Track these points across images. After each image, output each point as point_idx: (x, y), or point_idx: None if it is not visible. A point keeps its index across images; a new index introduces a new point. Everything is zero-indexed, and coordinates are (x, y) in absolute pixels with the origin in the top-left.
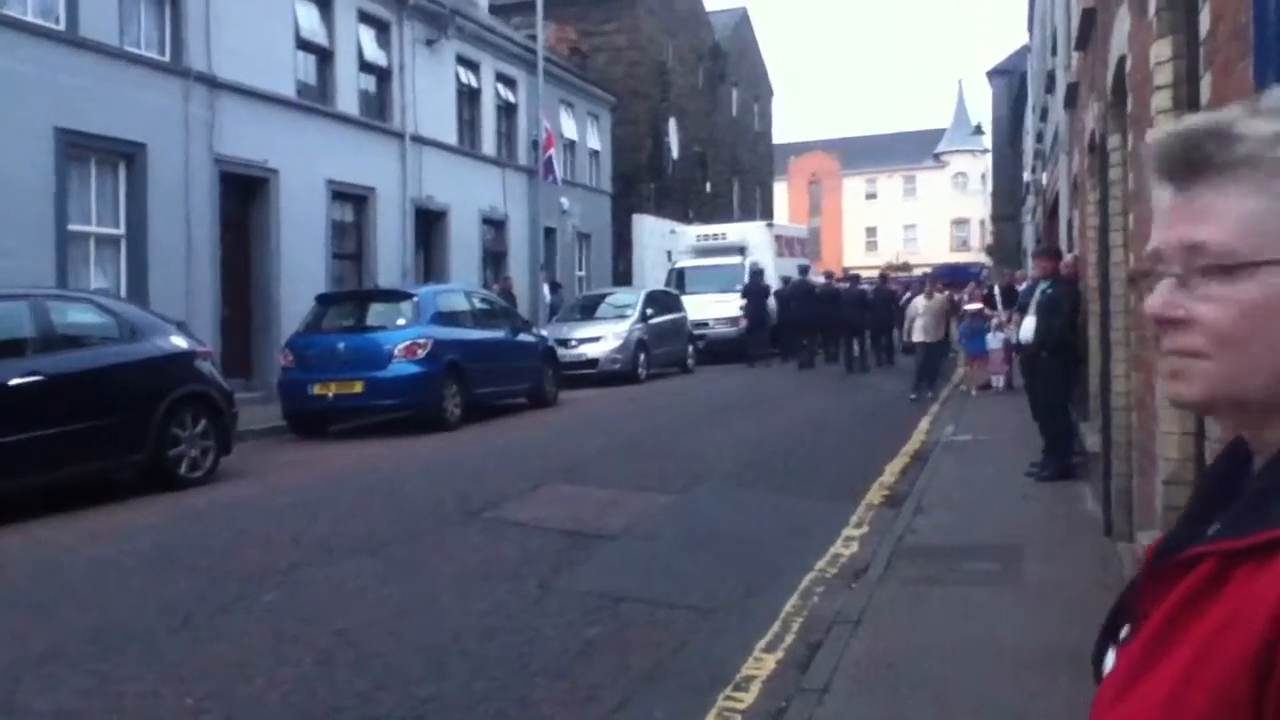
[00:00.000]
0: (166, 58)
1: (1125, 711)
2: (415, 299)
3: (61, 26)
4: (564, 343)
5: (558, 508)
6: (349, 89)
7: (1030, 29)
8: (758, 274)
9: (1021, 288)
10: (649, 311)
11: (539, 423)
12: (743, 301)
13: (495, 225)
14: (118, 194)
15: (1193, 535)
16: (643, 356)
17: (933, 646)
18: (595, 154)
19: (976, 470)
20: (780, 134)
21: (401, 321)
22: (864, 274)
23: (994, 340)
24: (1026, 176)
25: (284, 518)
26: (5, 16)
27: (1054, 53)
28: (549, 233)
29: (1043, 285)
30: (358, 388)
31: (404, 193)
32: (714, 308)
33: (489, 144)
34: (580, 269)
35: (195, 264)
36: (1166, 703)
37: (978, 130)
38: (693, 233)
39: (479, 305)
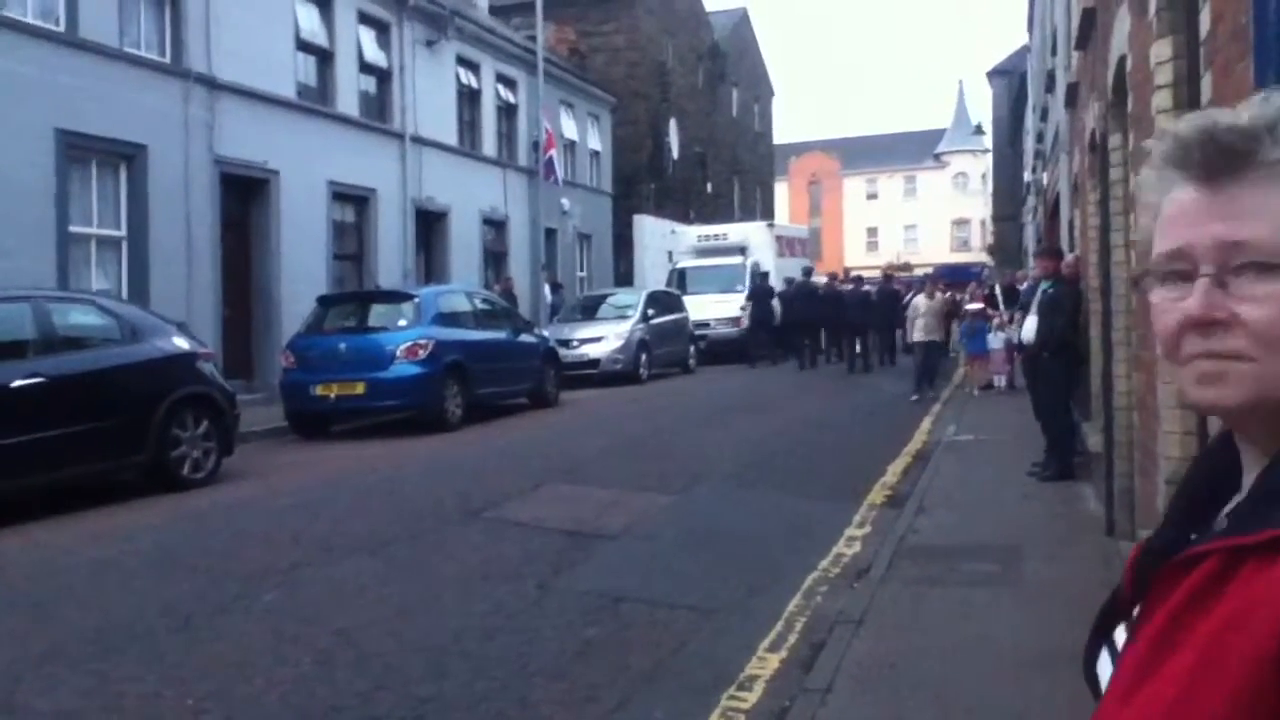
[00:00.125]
0: (167, 59)
1: (1133, 713)
2: (416, 300)
3: (61, 28)
4: (565, 343)
5: (558, 508)
6: (349, 90)
7: (1030, 29)
8: (763, 275)
9: (1023, 287)
10: (650, 312)
11: (540, 423)
12: (745, 302)
13: (496, 226)
14: (118, 195)
15: (1178, 537)
16: (644, 357)
17: (935, 646)
18: (596, 154)
19: (978, 470)
20: (780, 134)
21: (403, 322)
22: (866, 274)
23: (995, 340)
24: (1027, 176)
25: (285, 518)
26: (5, 18)
27: (1054, 52)
28: (550, 233)
29: (1044, 285)
30: (359, 389)
31: (404, 193)
32: (715, 308)
33: (489, 145)
34: (581, 269)
35: (196, 265)
36: (1177, 703)
37: (978, 130)
38: (693, 233)
39: (480, 306)
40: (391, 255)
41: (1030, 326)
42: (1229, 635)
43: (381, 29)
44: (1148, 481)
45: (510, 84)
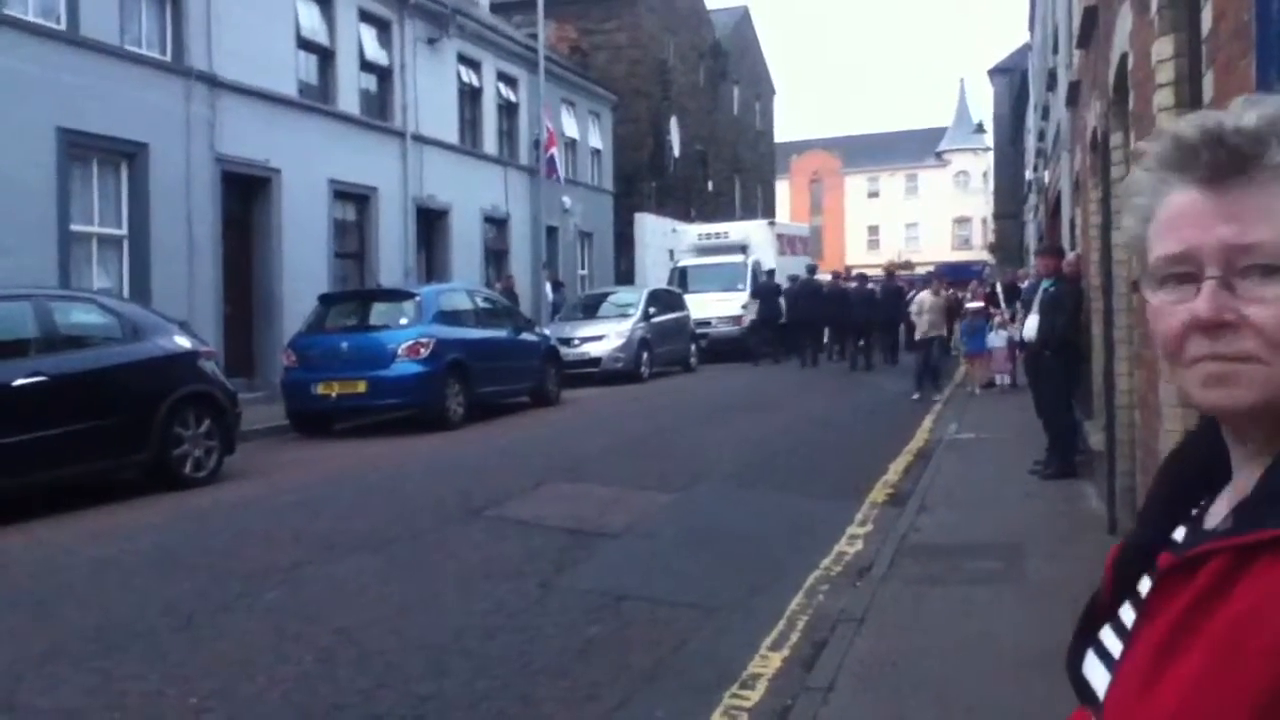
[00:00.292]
0: (168, 57)
1: (1153, 711)
2: (418, 298)
3: (63, 26)
4: (566, 342)
5: (560, 506)
6: (350, 88)
7: (1031, 27)
8: (769, 273)
9: (1024, 286)
10: (651, 310)
11: (541, 421)
12: (746, 300)
13: (497, 224)
14: (120, 194)
15: (1156, 536)
16: (645, 355)
17: (936, 645)
18: (597, 153)
19: (980, 468)
20: (782, 132)
21: (404, 321)
22: (868, 272)
23: (998, 339)
24: (1028, 174)
25: (286, 516)
26: (7, 16)
27: (1055, 51)
28: (551, 231)
29: (1045, 283)
30: (361, 387)
31: (405, 192)
32: (716, 306)
33: (490, 143)
34: (582, 268)
35: (197, 264)
36: (1199, 701)
37: (979, 128)
38: (694, 231)
39: (481, 304)
40: (393, 253)
41: (1032, 325)
42: (1247, 632)
43: (382, 27)
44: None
45: (511, 82)
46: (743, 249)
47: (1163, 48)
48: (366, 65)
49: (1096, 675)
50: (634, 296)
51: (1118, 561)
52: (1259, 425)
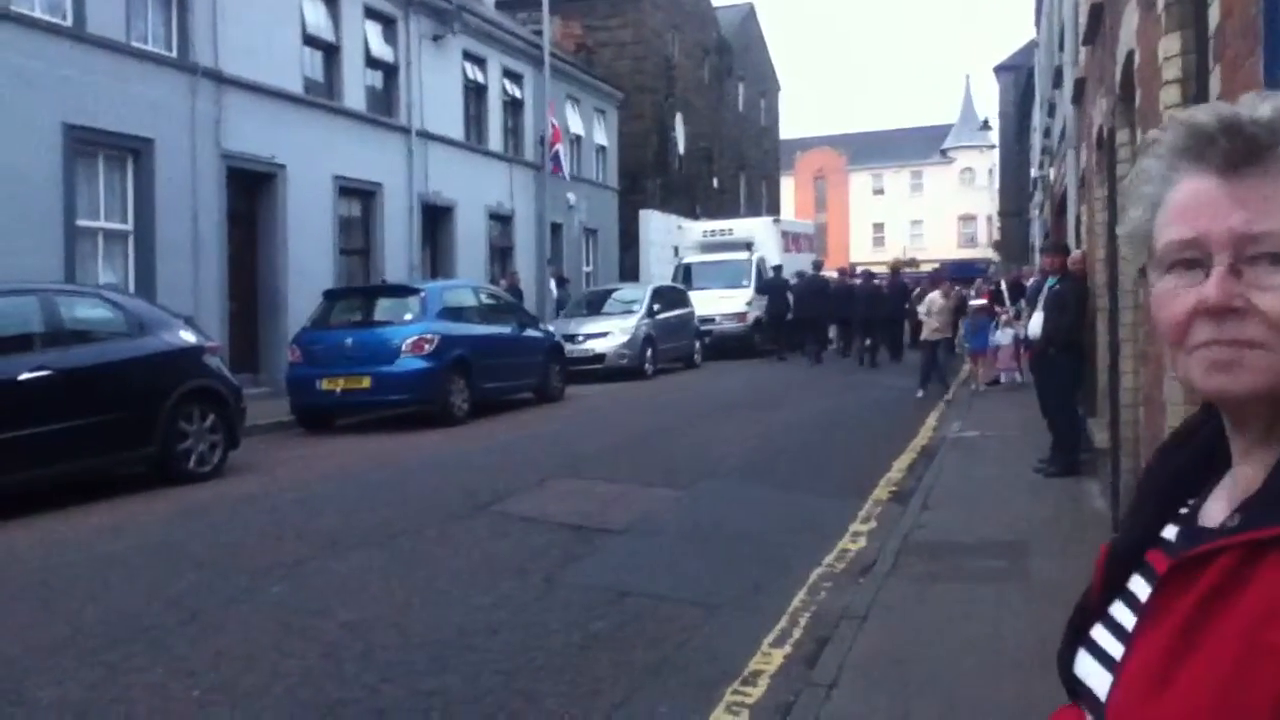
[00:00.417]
0: (173, 53)
1: (1170, 709)
2: (422, 294)
3: (69, 23)
4: (571, 338)
5: (563, 502)
6: (355, 85)
7: (1038, 24)
8: (776, 269)
9: (1029, 283)
10: (656, 307)
11: (545, 418)
12: (751, 296)
13: (502, 221)
14: (125, 189)
15: (1146, 535)
16: (650, 352)
17: (939, 643)
18: (602, 149)
19: (984, 466)
20: (787, 129)
21: (409, 317)
22: (873, 270)
23: (1004, 336)
24: (1034, 172)
25: (291, 512)
26: (13, 13)
27: (1061, 48)
28: (555, 228)
29: (1050, 281)
30: (365, 383)
31: (410, 188)
32: (720, 303)
33: (495, 140)
34: (587, 264)
35: (203, 259)
36: (1221, 697)
37: (985, 126)
38: (699, 228)
39: (486, 301)
40: (397, 250)
41: (1037, 322)
42: (1264, 629)
43: (388, 23)
44: None
45: (516, 79)
46: (747, 246)
47: (1169, 45)
48: (372, 62)
49: (1092, 674)
50: (638, 293)
51: (1107, 561)
52: (1260, 413)
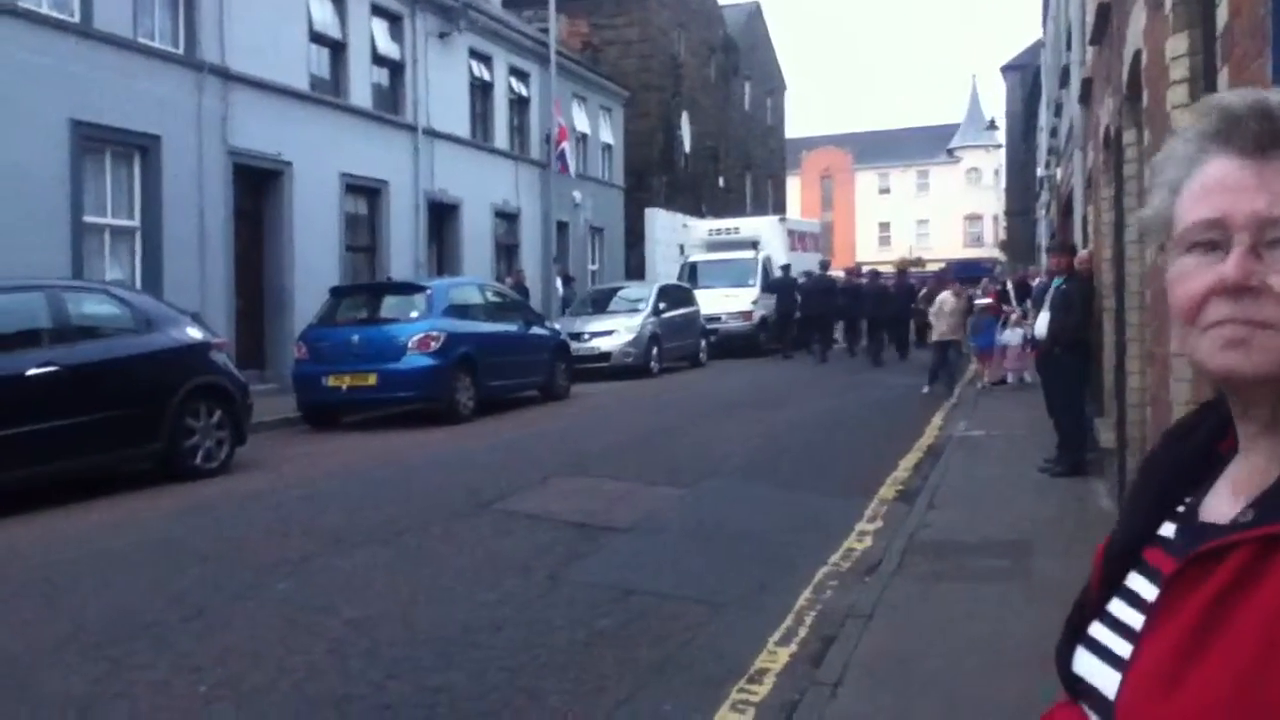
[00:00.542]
0: (180, 50)
1: (1187, 705)
2: (428, 292)
3: (76, 19)
4: (577, 336)
5: (568, 500)
6: (362, 82)
7: (1045, 24)
8: (785, 267)
9: (1035, 283)
10: (661, 305)
11: (551, 416)
12: (756, 295)
13: (508, 218)
14: (132, 186)
15: (1145, 531)
16: (655, 350)
17: (944, 642)
18: (608, 148)
19: (989, 466)
20: (793, 128)
21: (414, 314)
22: (880, 269)
23: (1013, 336)
24: (1040, 172)
25: (297, 508)
26: (21, 9)
27: (1069, 47)
28: (561, 226)
29: (1057, 281)
30: (371, 380)
31: (416, 186)
32: (726, 302)
33: (501, 137)
34: (593, 263)
35: (209, 256)
36: (1241, 692)
37: (991, 125)
38: (705, 227)
39: (491, 298)
40: (403, 247)
41: (1043, 322)
42: None
43: (394, 21)
44: None
45: (522, 77)
46: (753, 245)
47: (1177, 44)
48: (378, 59)
49: (1094, 672)
50: (644, 291)
51: (1105, 558)
52: (1267, 397)
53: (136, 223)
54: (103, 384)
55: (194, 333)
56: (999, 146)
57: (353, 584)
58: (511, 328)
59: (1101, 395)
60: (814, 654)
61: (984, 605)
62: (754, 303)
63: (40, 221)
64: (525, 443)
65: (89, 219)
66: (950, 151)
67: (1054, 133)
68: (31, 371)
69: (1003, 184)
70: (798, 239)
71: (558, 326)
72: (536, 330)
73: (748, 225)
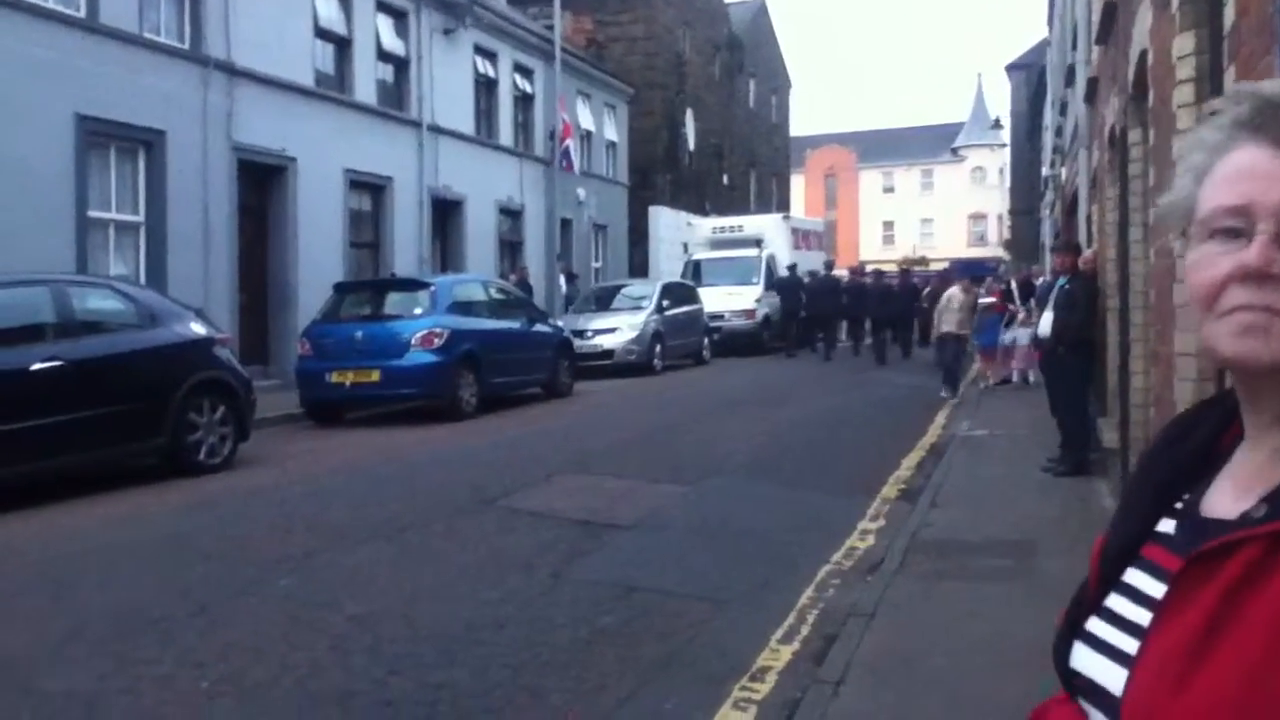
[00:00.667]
0: (185, 45)
1: (1197, 701)
2: (432, 288)
3: (82, 14)
4: (580, 334)
5: (571, 498)
6: (367, 78)
7: (1050, 23)
8: (790, 267)
9: (1039, 282)
10: (665, 303)
11: (554, 413)
12: (760, 293)
13: (512, 215)
14: (137, 181)
15: (1143, 527)
16: (658, 348)
17: (946, 641)
18: (612, 145)
19: (992, 465)
20: (797, 127)
21: (418, 311)
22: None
23: (1023, 334)
24: (1045, 171)
25: (300, 504)
26: (26, 3)
27: (1074, 47)
28: (565, 223)
29: (1061, 280)
30: (374, 376)
31: (421, 182)
32: (730, 300)
33: (506, 134)
34: (596, 260)
35: (213, 251)
36: (1252, 687)
37: (996, 124)
38: (709, 225)
39: (495, 295)
40: (407, 244)
41: (1047, 321)
42: None
43: (399, 17)
44: None
45: (527, 73)
46: (757, 243)
47: (1183, 44)
48: (383, 55)
49: (1094, 668)
50: (648, 289)
51: (1103, 555)
52: (1276, 389)
53: (141, 218)
54: (106, 379)
55: (198, 328)
56: (1004, 146)
57: (356, 580)
58: (515, 325)
59: (1105, 395)
60: (816, 652)
61: (986, 604)
62: (757, 301)
63: (45, 216)
64: (528, 440)
65: (94, 214)
66: (955, 150)
67: (1059, 132)
68: (36, 366)
69: (1007, 183)
70: (801, 237)
71: (561, 324)
72: (540, 327)
73: (752, 223)
